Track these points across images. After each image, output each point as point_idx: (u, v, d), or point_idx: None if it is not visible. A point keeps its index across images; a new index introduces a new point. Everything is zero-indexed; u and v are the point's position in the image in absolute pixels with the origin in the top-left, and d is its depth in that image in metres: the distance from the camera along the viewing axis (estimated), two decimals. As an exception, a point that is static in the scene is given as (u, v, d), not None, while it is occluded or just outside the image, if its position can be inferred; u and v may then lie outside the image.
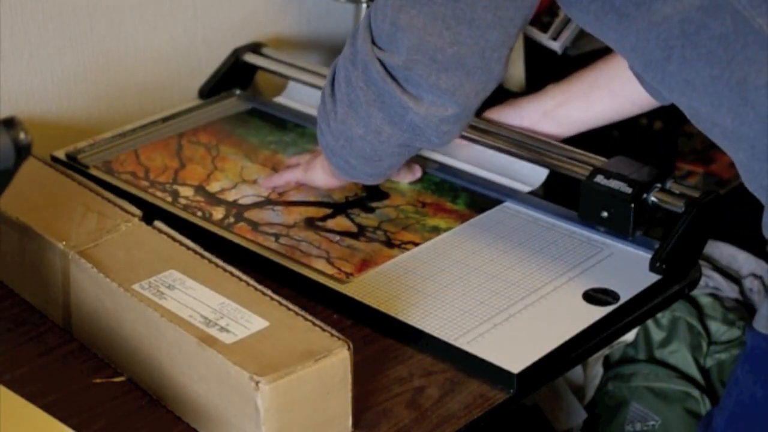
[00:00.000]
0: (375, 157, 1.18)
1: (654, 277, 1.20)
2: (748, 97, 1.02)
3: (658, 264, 1.20)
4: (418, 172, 1.38)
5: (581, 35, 1.60)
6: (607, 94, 1.33)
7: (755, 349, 1.10)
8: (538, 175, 1.35)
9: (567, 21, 1.59)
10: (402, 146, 1.16)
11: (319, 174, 1.33)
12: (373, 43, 1.11)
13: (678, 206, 1.22)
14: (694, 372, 1.65)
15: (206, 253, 1.13)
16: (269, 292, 1.07)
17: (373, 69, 1.10)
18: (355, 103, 1.14)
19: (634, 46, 1.07)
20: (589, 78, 1.35)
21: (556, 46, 1.59)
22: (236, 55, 1.59)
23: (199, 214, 1.32)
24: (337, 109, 1.16)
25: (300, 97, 1.56)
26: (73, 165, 1.40)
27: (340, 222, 1.31)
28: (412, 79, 1.09)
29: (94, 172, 1.39)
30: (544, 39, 1.60)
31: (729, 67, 1.02)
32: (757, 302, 1.71)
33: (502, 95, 1.45)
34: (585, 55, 1.68)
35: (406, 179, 1.38)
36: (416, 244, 1.27)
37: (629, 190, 1.23)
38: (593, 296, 1.18)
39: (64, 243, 1.14)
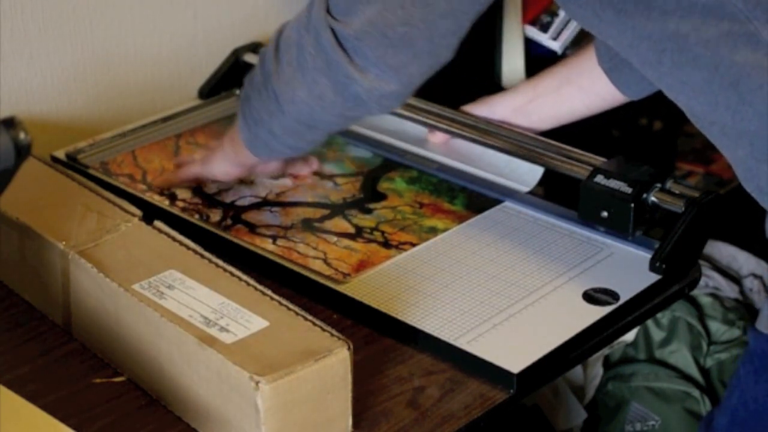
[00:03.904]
0: (311, 122, 1.19)
1: (654, 277, 1.20)
2: (744, 96, 1.02)
3: (658, 264, 1.20)
4: (314, 164, 1.39)
5: (581, 35, 1.60)
6: (577, 91, 1.34)
7: (757, 349, 1.10)
8: (535, 174, 1.35)
9: (567, 21, 1.59)
10: (341, 116, 1.18)
11: (218, 164, 1.32)
12: (328, 12, 1.12)
13: (678, 206, 1.22)
14: (694, 372, 1.65)
15: (206, 253, 1.13)
16: (269, 292, 1.07)
17: (324, 37, 1.12)
18: (303, 67, 1.15)
19: (631, 43, 1.08)
20: (560, 74, 1.36)
21: (556, 46, 1.59)
22: (236, 55, 1.58)
23: (197, 216, 1.32)
24: (282, 70, 1.17)
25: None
26: (73, 165, 1.40)
27: (338, 223, 1.31)
28: (361, 51, 1.10)
29: (93, 172, 1.39)
30: (544, 39, 1.60)
31: (718, 71, 1.02)
32: (757, 302, 1.71)
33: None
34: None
35: (302, 170, 1.38)
36: (413, 245, 1.27)
37: (629, 190, 1.23)
38: (593, 296, 1.18)
39: (64, 243, 1.14)
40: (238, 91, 1.58)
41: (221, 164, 1.32)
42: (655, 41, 1.05)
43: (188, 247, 1.14)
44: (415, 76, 1.12)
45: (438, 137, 1.43)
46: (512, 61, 1.63)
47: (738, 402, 1.12)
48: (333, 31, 1.11)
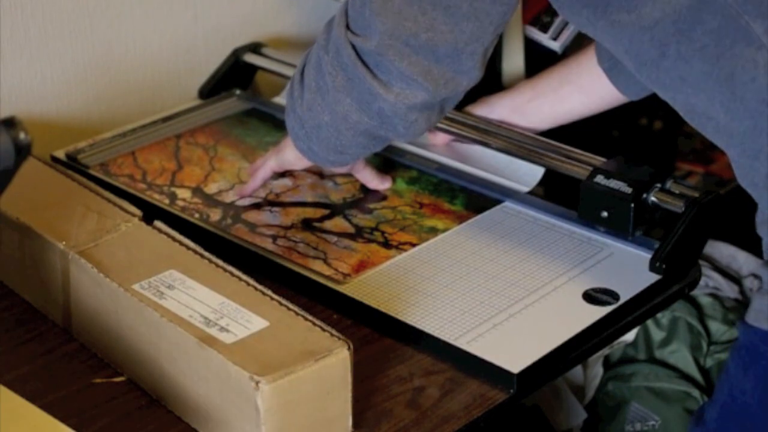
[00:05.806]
0: (339, 147, 1.19)
1: (654, 277, 1.20)
2: (737, 92, 1.03)
3: (658, 264, 1.20)
4: (387, 182, 1.37)
5: (581, 35, 1.60)
6: (577, 90, 1.34)
7: (746, 342, 1.10)
8: (535, 174, 1.35)
9: (567, 21, 1.59)
10: (367, 136, 1.16)
11: (291, 154, 1.31)
12: (348, 28, 1.11)
13: (678, 206, 1.22)
14: (694, 372, 1.65)
15: (206, 253, 1.13)
16: (269, 292, 1.07)
17: (344, 53, 1.11)
18: (323, 89, 1.14)
19: (627, 48, 1.08)
20: (559, 74, 1.36)
21: (556, 46, 1.59)
22: (236, 55, 1.59)
23: (197, 216, 1.32)
24: (305, 95, 1.17)
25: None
26: (73, 165, 1.40)
27: (338, 223, 1.31)
28: (383, 65, 1.09)
29: (93, 172, 1.39)
30: (544, 39, 1.60)
31: (719, 63, 1.03)
32: (757, 301, 1.71)
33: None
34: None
35: (372, 185, 1.36)
36: (413, 245, 1.27)
37: (629, 190, 1.23)
38: (593, 296, 1.18)
39: (64, 243, 1.14)
40: (238, 91, 1.58)
41: (294, 153, 1.30)
42: (658, 40, 1.05)
43: (188, 247, 1.14)
44: (439, 82, 1.09)
45: (438, 137, 1.43)
46: (512, 61, 1.63)
47: (727, 395, 1.12)
48: (354, 46, 1.10)
